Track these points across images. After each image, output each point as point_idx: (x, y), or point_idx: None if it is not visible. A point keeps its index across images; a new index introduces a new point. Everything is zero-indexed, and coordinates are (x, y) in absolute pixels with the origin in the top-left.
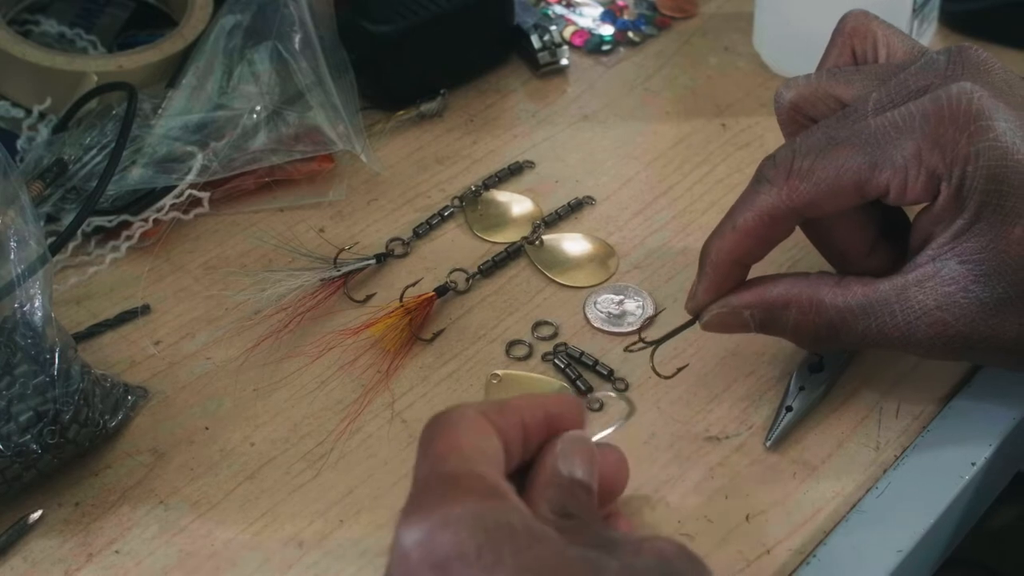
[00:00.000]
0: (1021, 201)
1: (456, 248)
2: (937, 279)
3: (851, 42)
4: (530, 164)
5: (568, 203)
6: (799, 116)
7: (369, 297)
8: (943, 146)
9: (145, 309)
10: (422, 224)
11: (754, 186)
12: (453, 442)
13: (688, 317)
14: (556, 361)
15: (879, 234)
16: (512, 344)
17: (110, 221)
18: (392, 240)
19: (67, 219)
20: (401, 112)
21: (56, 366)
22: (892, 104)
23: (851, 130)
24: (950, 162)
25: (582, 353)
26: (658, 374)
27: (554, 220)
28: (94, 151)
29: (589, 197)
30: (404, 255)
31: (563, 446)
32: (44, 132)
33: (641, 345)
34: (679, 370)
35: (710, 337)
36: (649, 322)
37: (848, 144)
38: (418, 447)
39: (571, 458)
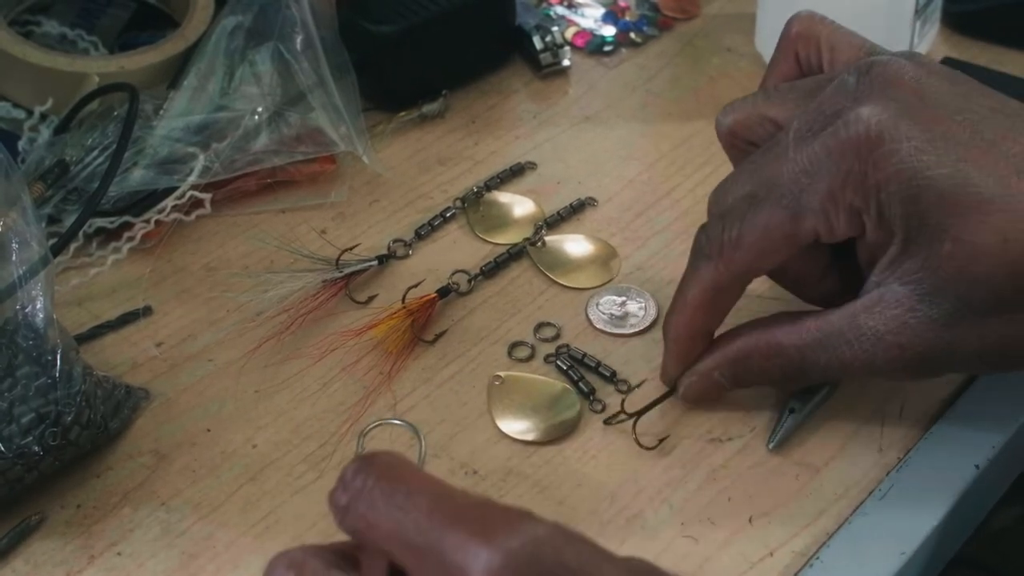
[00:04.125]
0: (944, 217)
1: (458, 249)
2: (883, 303)
3: (795, 47)
4: (532, 165)
5: (570, 204)
6: (738, 141)
7: (371, 298)
8: (852, 182)
9: (147, 310)
10: (424, 225)
11: (694, 261)
12: (438, 483)
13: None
14: (559, 363)
15: (830, 259)
16: (514, 345)
17: (112, 222)
18: (394, 241)
19: (68, 220)
20: (403, 113)
21: (58, 368)
22: (811, 132)
23: (769, 176)
24: (864, 196)
25: (584, 355)
26: (641, 445)
27: (556, 221)
28: (95, 152)
29: (591, 198)
30: (406, 256)
31: None
32: (45, 133)
33: (623, 417)
34: (661, 441)
35: None
36: (652, 324)
37: (767, 202)
38: (381, 489)
39: None
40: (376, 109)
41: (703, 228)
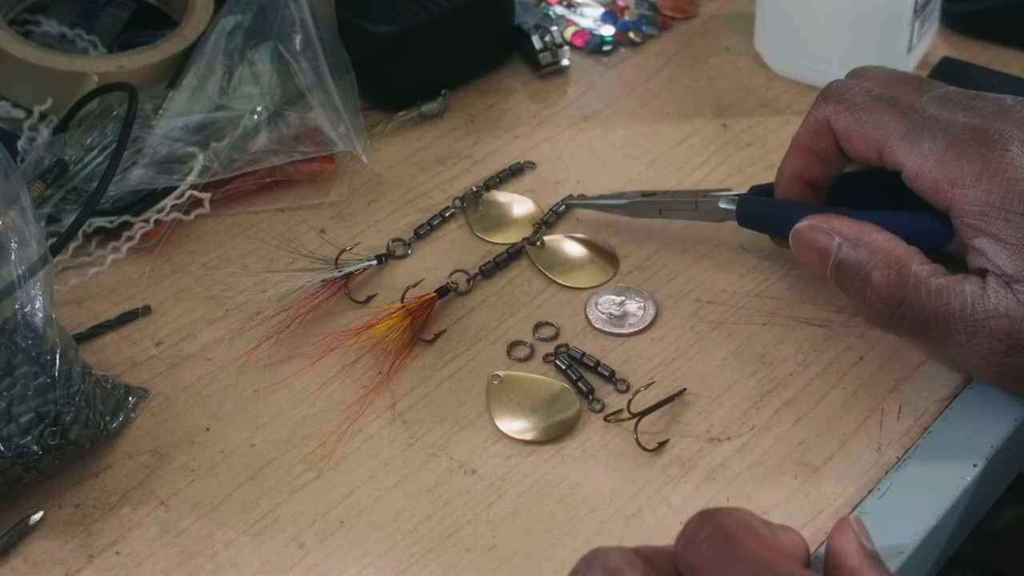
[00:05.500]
0: None
1: (457, 249)
2: (1010, 293)
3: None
4: (531, 165)
5: (561, 200)
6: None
7: (370, 298)
8: (967, 156)
9: (146, 310)
10: (423, 225)
11: (812, 106)
12: (766, 554)
13: (673, 391)
14: (557, 362)
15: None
16: (513, 345)
17: (111, 222)
18: (393, 241)
19: (68, 220)
20: (402, 113)
21: (57, 367)
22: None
23: (908, 103)
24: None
25: (583, 354)
26: (641, 446)
27: (552, 219)
28: (95, 152)
29: (583, 195)
30: (405, 256)
31: None
32: (45, 133)
33: (626, 415)
34: (661, 444)
35: (713, 338)
36: (652, 323)
37: (899, 110)
38: None
39: None
40: (375, 109)
41: (834, 81)
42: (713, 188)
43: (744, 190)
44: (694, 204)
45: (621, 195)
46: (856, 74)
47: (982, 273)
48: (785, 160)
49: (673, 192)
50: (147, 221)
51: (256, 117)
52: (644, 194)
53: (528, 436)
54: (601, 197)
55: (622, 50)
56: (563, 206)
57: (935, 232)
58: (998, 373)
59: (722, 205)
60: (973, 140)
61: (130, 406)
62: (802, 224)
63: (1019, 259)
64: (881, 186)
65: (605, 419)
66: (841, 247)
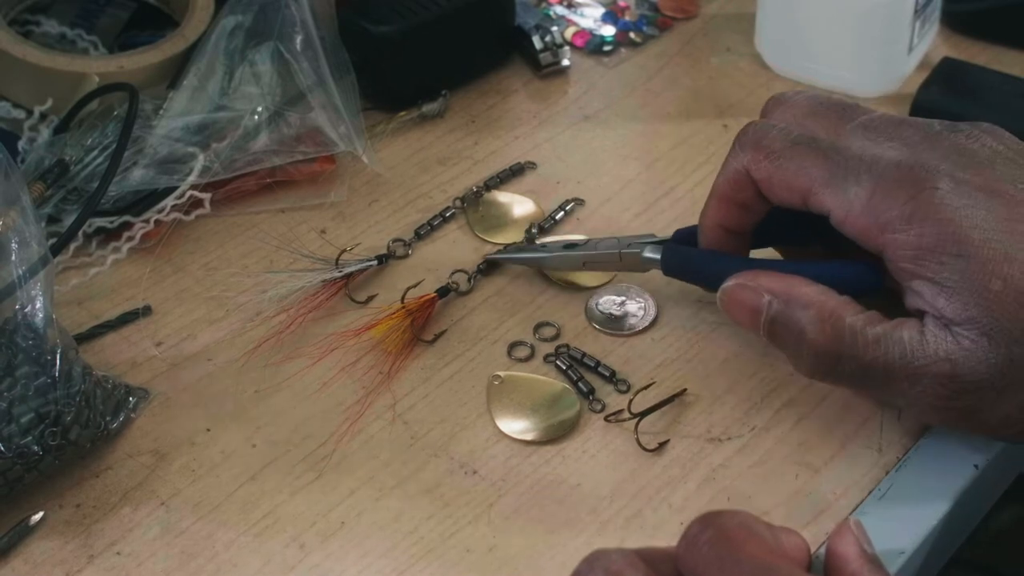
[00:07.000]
0: (986, 262)
1: (458, 249)
2: (949, 336)
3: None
4: (532, 165)
5: (560, 206)
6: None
7: (371, 298)
8: (895, 198)
9: (146, 310)
10: (424, 225)
11: (730, 153)
12: (767, 555)
13: (674, 391)
14: (558, 362)
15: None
16: (514, 345)
17: (111, 222)
18: (393, 241)
19: (68, 220)
20: (402, 113)
21: (57, 367)
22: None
23: (843, 143)
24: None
25: (584, 354)
26: (642, 446)
27: (551, 226)
28: (95, 152)
29: (579, 199)
30: (406, 256)
31: None
32: (45, 133)
33: (627, 416)
34: (661, 445)
35: (713, 338)
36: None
37: (820, 153)
38: None
39: None
40: (376, 109)
41: (751, 123)
42: (636, 235)
43: (668, 234)
44: (618, 256)
45: (544, 247)
46: (776, 103)
47: (920, 314)
48: (706, 209)
49: (596, 241)
50: (147, 221)
51: (257, 117)
52: (567, 246)
53: (529, 436)
54: (522, 250)
55: (623, 50)
56: (562, 210)
57: (867, 278)
58: (944, 417)
59: (646, 254)
60: (900, 179)
61: (130, 406)
62: (729, 283)
63: (957, 302)
64: (808, 218)
65: (606, 419)
66: (772, 304)
